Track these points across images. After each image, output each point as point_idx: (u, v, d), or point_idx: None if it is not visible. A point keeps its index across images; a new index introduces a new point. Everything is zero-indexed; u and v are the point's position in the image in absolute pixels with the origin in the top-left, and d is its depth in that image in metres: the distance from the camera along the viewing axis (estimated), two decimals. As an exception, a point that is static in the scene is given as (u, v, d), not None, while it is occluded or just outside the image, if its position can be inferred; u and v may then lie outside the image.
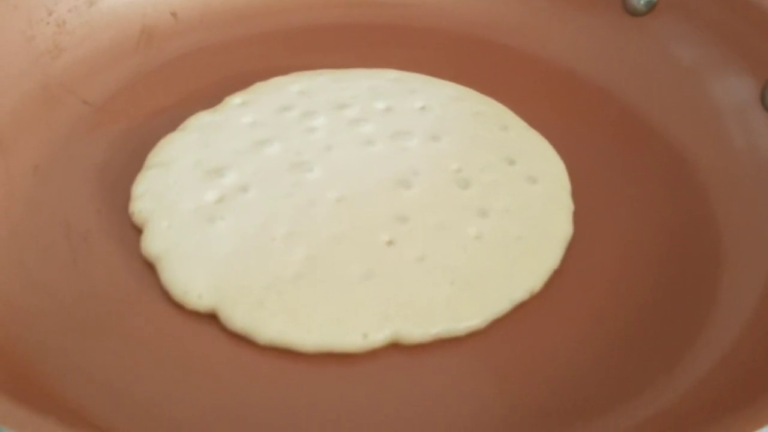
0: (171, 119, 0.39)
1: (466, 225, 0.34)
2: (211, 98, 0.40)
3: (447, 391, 0.31)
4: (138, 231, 0.35)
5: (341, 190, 0.35)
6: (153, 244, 0.34)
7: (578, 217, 0.36)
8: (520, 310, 0.33)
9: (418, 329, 0.31)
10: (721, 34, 0.40)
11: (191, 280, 0.32)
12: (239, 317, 0.31)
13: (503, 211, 0.35)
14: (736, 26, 0.40)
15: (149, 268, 0.34)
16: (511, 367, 0.31)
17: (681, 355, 0.32)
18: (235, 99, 0.39)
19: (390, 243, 0.34)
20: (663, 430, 0.29)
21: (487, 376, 0.31)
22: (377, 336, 0.31)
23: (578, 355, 0.32)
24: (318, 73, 0.41)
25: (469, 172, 0.37)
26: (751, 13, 0.39)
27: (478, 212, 0.35)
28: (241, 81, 0.40)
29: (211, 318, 0.32)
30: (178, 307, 0.32)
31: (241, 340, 0.32)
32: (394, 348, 0.31)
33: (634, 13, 0.43)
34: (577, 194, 0.37)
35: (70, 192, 0.37)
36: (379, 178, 0.36)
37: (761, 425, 0.27)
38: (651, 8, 0.42)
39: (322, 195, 0.35)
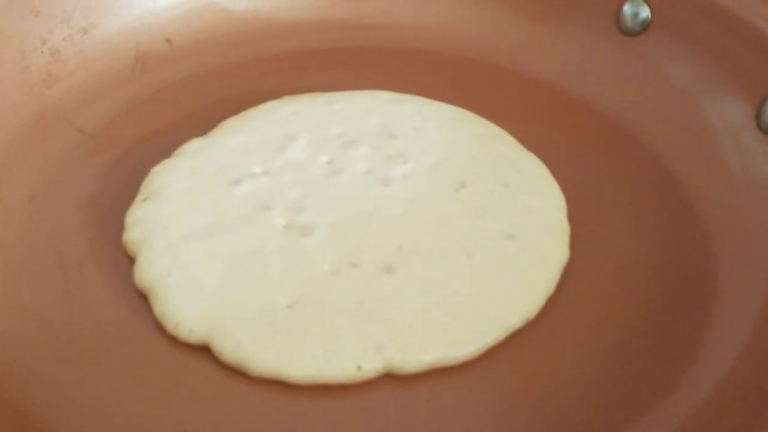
0: (166, 146, 0.39)
1: (460, 250, 0.34)
2: (206, 124, 0.40)
3: (442, 421, 0.30)
4: (132, 260, 0.35)
5: (334, 217, 0.35)
6: (144, 274, 0.34)
7: (573, 241, 0.35)
8: (515, 337, 0.32)
9: (412, 359, 0.31)
10: (716, 54, 0.40)
11: (182, 312, 0.32)
12: (230, 350, 0.31)
13: (499, 235, 0.35)
14: (730, 46, 0.40)
15: (143, 297, 0.34)
16: (506, 396, 0.31)
17: (677, 380, 0.31)
18: (228, 124, 0.39)
19: (382, 271, 0.33)
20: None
21: (482, 405, 0.31)
22: (371, 367, 0.31)
23: (574, 382, 0.31)
24: (312, 96, 0.41)
25: (464, 195, 0.36)
26: (745, 33, 0.39)
27: (472, 237, 0.35)
28: (236, 106, 0.40)
29: (205, 349, 0.32)
30: (171, 338, 0.32)
31: (235, 371, 0.31)
32: (388, 378, 0.31)
33: (628, 33, 0.42)
34: (572, 217, 0.36)
35: (64, 222, 0.37)
36: (373, 203, 0.36)
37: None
38: (645, 28, 0.42)
39: (314, 222, 0.35)
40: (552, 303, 0.34)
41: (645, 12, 0.42)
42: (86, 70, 0.43)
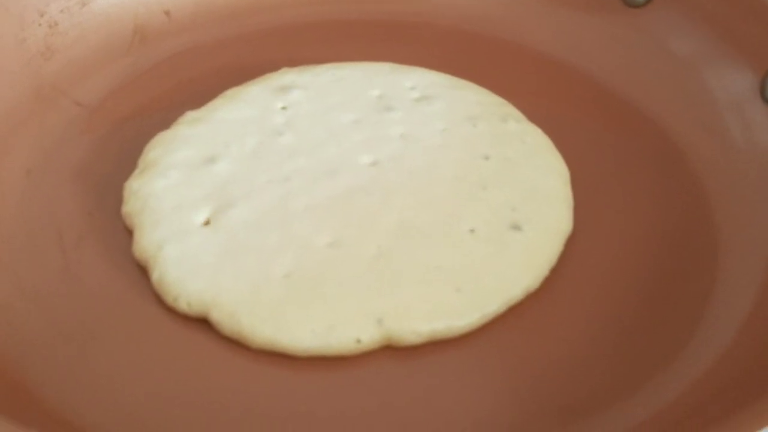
0: (165, 119, 0.38)
1: (463, 222, 0.34)
2: (204, 96, 0.39)
3: (441, 392, 0.30)
4: (131, 233, 0.34)
5: (333, 189, 0.35)
6: (142, 247, 0.33)
7: (576, 212, 0.35)
8: (516, 309, 0.32)
9: (411, 331, 0.31)
10: (720, 26, 0.40)
11: (180, 286, 0.32)
12: (229, 324, 0.31)
13: (501, 207, 0.34)
14: (734, 17, 0.39)
15: (142, 270, 0.33)
16: (506, 368, 0.31)
17: (678, 353, 0.31)
18: (225, 95, 0.39)
19: (382, 243, 0.33)
20: (660, 431, 0.29)
21: (482, 378, 0.31)
22: (370, 339, 0.31)
23: (574, 354, 0.31)
24: (310, 67, 0.40)
25: (467, 166, 0.36)
26: (749, 3, 0.39)
27: (475, 209, 0.34)
28: (234, 78, 0.40)
29: (205, 321, 0.32)
30: (171, 310, 0.32)
31: (234, 343, 0.31)
32: (388, 350, 0.31)
33: (631, 4, 0.42)
34: (575, 189, 0.36)
35: (62, 196, 0.37)
36: (373, 175, 0.35)
37: (760, 427, 0.26)
38: (649, -1, 0.42)
39: (313, 194, 0.35)
40: (554, 275, 0.33)
41: (649, -17, 0.42)
42: (84, 42, 0.42)
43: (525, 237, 0.34)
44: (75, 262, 0.34)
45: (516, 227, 0.34)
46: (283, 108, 0.38)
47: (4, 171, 0.37)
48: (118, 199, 0.36)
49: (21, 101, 0.40)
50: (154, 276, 0.33)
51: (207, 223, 0.34)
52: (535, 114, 0.39)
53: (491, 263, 0.33)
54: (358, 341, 0.31)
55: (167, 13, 0.44)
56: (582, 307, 0.33)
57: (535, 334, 0.32)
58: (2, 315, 0.33)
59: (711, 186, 0.36)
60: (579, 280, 0.33)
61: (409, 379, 0.31)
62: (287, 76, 0.40)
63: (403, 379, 0.31)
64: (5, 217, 0.36)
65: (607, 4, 0.43)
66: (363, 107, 0.38)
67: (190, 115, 0.38)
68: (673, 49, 0.41)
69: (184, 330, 0.32)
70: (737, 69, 0.39)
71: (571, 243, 0.34)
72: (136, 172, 0.36)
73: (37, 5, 0.42)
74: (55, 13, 0.42)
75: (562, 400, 0.30)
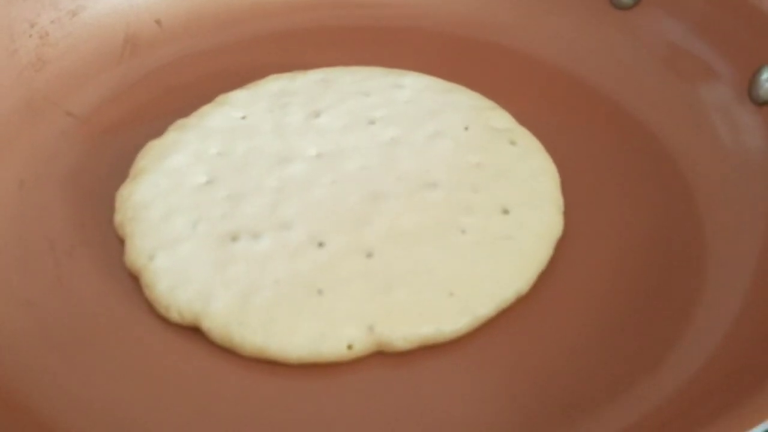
0: (156, 127, 0.38)
1: (454, 226, 0.34)
2: (196, 104, 0.39)
3: (433, 398, 0.30)
4: (123, 242, 0.35)
5: (323, 192, 0.35)
6: (133, 257, 0.34)
7: (566, 215, 0.35)
8: (507, 313, 0.32)
9: (403, 337, 0.31)
10: (707, 27, 0.40)
11: (171, 295, 0.32)
12: (219, 333, 0.31)
13: (493, 210, 0.35)
14: (721, 19, 0.39)
15: (135, 279, 0.34)
16: (498, 373, 0.31)
17: (667, 354, 0.31)
18: (216, 101, 0.39)
19: (374, 248, 0.33)
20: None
21: (474, 382, 0.31)
22: (362, 346, 0.31)
23: (566, 357, 0.31)
24: (300, 72, 0.40)
25: (458, 169, 0.36)
26: (736, 5, 0.39)
27: (466, 212, 0.34)
28: (227, 86, 0.40)
29: (197, 329, 0.32)
30: (164, 319, 0.32)
31: (227, 351, 0.31)
32: (379, 356, 0.31)
33: (620, 6, 0.42)
34: (565, 192, 0.36)
35: (54, 206, 0.37)
36: (364, 178, 0.36)
37: (751, 426, 0.27)
38: (637, 1, 0.42)
39: (302, 199, 0.35)
40: (545, 278, 0.33)
41: (637, -16, 0.42)
42: (75, 52, 0.42)
43: (516, 240, 0.34)
44: (67, 272, 0.34)
45: (507, 230, 0.34)
46: (272, 113, 0.38)
47: (-3, 183, 0.38)
48: (111, 208, 0.36)
49: (13, 113, 0.40)
50: (146, 286, 0.33)
51: (196, 231, 0.34)
52: (525, 117, 0.39)
53: (483, 267, 0.33)
54: (350, 347, 0.31)
55: (158, 22, 0.44)
56: (572, 310, 0.33)
57: (525, 338, 0.32)
58: (-6, 326, 0.33)
59: (699, 188, 0.36)
60: (569, 283, 0.34)
61: (402, 384, 0.31)
62: (277, 82, 0.40)
63: (395, 384, 0.31)
64: (-2, 229, 0.36)
65: (596, 6, 0.42)
66: (353, 111, 0.38)
67: (179, 122, 0.38)
68: (661, 51, 0.41)
69: (177, 339, 0.32)
70: (725, 70, 0.39)
71: (562, 245, 0.34)
72: (127, 180, 0.36)
73: (28, 16, 0.42)
74: (45, 24, 0.42)
75: (554, 402, 0.30)
